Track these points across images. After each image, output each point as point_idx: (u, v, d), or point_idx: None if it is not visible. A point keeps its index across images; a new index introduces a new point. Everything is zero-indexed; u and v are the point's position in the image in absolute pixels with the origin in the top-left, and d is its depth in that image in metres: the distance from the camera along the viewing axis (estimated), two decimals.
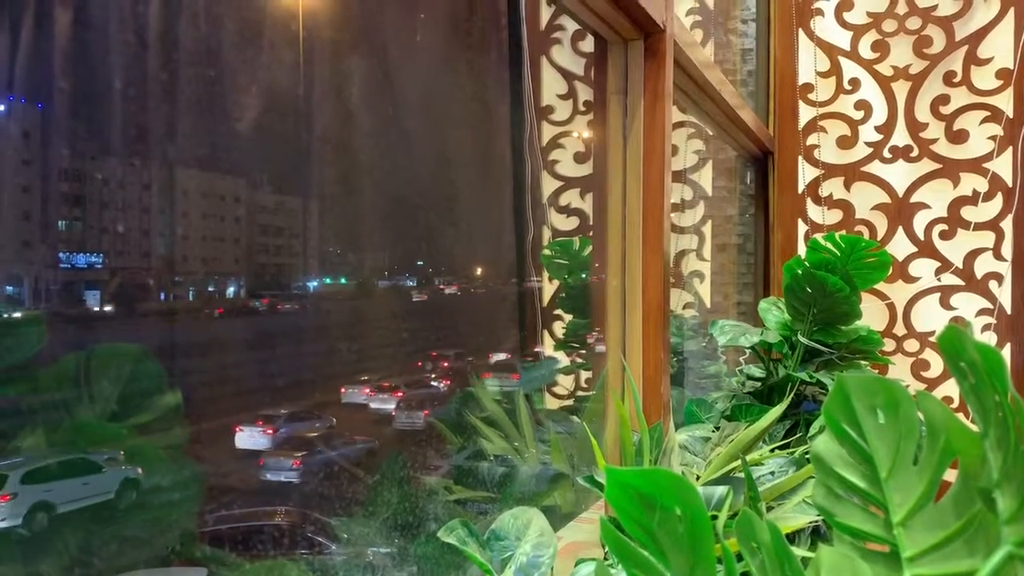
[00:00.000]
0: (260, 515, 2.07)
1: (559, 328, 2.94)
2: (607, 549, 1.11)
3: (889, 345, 3.08)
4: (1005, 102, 2.97)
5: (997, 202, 3.00)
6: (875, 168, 3.16)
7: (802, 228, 3.26)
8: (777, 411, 1.53)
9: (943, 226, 3.07)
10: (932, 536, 0.60)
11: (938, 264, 3.08)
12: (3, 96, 1.66)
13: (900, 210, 3.12)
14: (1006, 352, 2.99)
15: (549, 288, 2.95)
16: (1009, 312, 2.99)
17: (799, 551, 1.24)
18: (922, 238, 3.09)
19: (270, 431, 2.26)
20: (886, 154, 3.14)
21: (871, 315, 3.03)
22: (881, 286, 3.02)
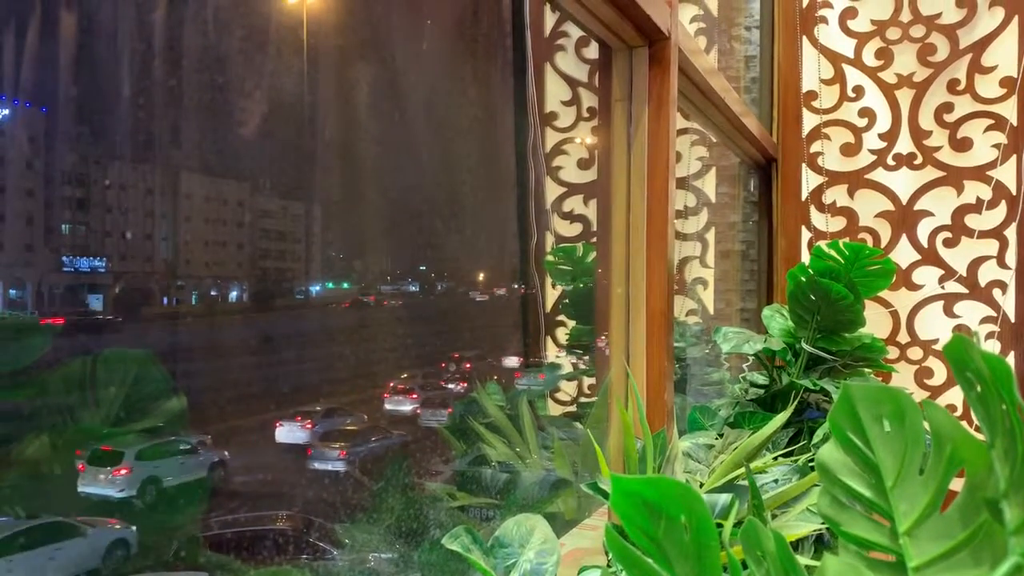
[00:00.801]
0: (264, 520, 2.14)
1: (562, 334, 2.94)
2: (611, 556, 1.11)
3: (892, 353, 3.08)
4: (1009, 110, 2.97)
5: (1001, 210, 2.99)
6: (879, 175, 3.16)
7: (805, 235, 3.25)
8: (781, 419, 1.53)
9: (947, 234, 3.07)
10: (938, 546, 0.60)
11: (942, 272, 3.07)
12: (8, 100, 1.67)
13: (904, 218, 3.12)
14: (1010, 360, 2.99)
15: (552, 294, 2.95)
16: (1013, 320, 2.99)
17: (803, 560, 1.24)
18: (926, 246, 3.09)
19: (309, 425, 2.48)
20: (890, 162, 3.14)
21: (874, 323, 3.02)
22: (885, 293, 3.02)
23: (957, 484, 0.59)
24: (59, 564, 1.61)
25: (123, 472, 1.91)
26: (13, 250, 1.79)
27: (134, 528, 1.84)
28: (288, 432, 2.46)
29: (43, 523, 1.61)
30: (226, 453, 2.18)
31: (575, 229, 2.91)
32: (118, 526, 1.85)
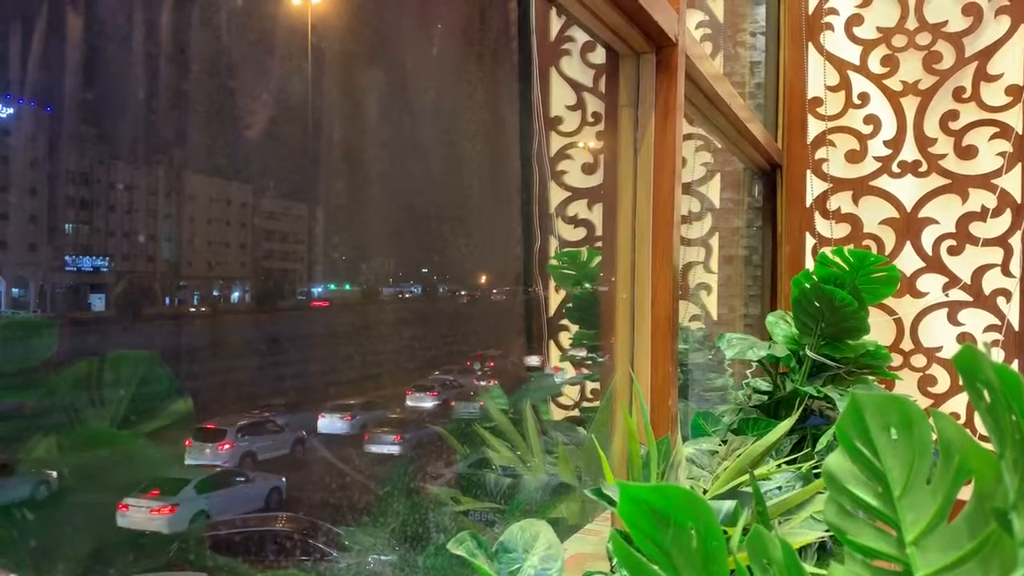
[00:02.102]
0: (267, 521, 2.21)
1: (565, 339, 2.94)
2: (615, 562, 1.11)
3: (896, 360, 3.08)
4: (1014, 118, 2.97)
5: (1006, 218, 2.99)
6: (883, 183, 3.16)
7: (810, 242, 3.25)
8: (786, 425, 1.53)
9: (951, 241, 3.06)
10: (945, 556, 0.60)
11: (946, 280, 3.07)
12: (12, 99, 1.68)
13: (908, 225, 3.12)
14: (1014, 368, 2.97)
15: (555, 298, 2.95)
16: (1017, 329, 2.98)
17: (808, 567, 1.24)
18: (930, 253, 3.09)
19: (347, 417, 2.82)
20: (895, 169, 3.14)
21: (878, 330, 3.02)
22: (888, 301, 3.01)
23: (963, 493, 0.59)
24: (242, 499, 2.31)
25: (226, 447, 2.41)
26: (16, 249, 1.79)
27: (284, 479, 2.44)
28: (329, 423, 2.79)
29: (226, 470, 2.35)
30: (303, 432, 2.63)
31: (579, 233, 2.91)
32: (274, 477, 2.44)
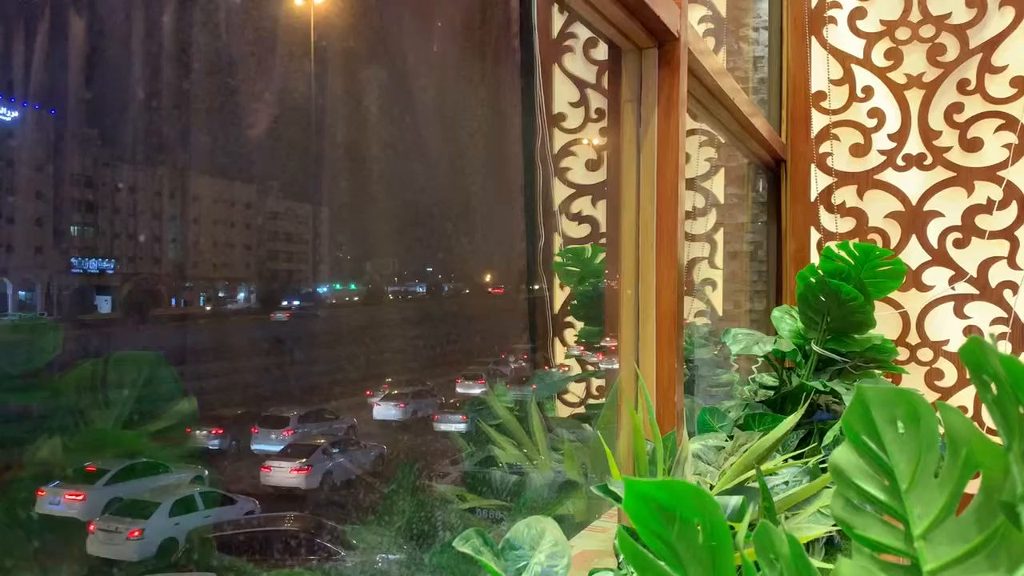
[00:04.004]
0: (275, 520, 2.24)
1: (570, 335, 2.94)
2: (621, 558, 1.11)
3: (902, 354, 3.07)
4: (1020, 110, 2.95)
5: (1012, 211, 2.98)
6: (888, 176, 3.15)
7: (815, 236, 3.24)
8: (792, 420, 1.53)
9: (957, 234, 3.05)
10: (954, 550, 0.59)
11: (952, 273, 3.06)
12: (17, 102, 1.68)
13: (914, 218, 3.11)
14: (1021, 361, 2.96)
15: (559, 295, 2.95)
16: None
17: (816, 562, 1.24)
18: (936, 247, 3.08)
19: (401, 405, 3.21)
20: (899, 162, 3.13)
21: (884, 324, 3.01)
22: (894, 294, 3.00)
23: (971, 487, 0.59)
24: (355, 463, 2.73)
25: (289, 433, 2.70)
26: (22, 252, 1.80)
27: (385, 447, 2.87)
28: (385, 411, 3.18)
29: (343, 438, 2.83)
30: (354, 420, 3.01)
31: (583, 230, 2.91)
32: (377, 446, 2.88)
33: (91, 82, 1.71)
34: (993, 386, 0.54)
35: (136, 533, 1.80)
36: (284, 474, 2.54)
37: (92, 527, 1.66)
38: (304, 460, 2.56)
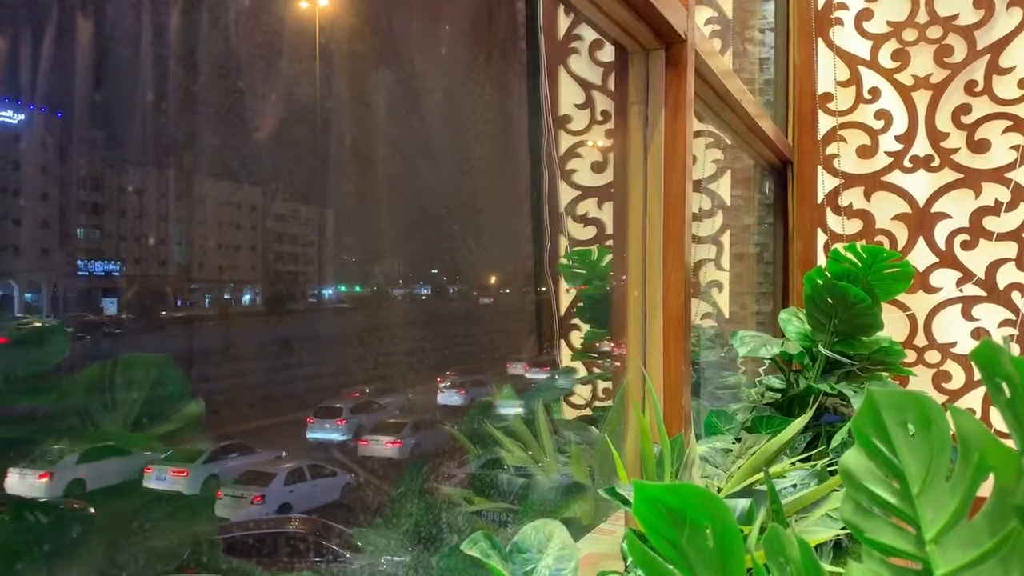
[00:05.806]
0: (281, 523, 2.27)
1: (576, 338, 2.93)
2: (629, 561, 1.10)
3: (910, 356, 3.06)
4: None
5: (1020, 212, 2.97)
6: (895, 178, 3.14)
7: (821, 238, 3.24)
8: (800, 423, 1.52)
9: (965, 236, 3.04)
10: (966, 554, 0.59)
11: (960, 275, 3.05)
12: (24, 105, 1.68)
13: (921, 220, 3.10)
14: None
15: (565, 298, 2.94)
16: None
17: (826, 566, 1.23)
18: (943, 248, 3.07)
19: (462, 392, 3.66)
20: (906, 164, 3.12)
21: (891, 326, 3.00)
22: (902, 296, 2.99)
23: (983, 490, 0.58)
24: (429, 442, 3.22)
25: (342, 422, 3.11)
26: (29, 254, 1.80)
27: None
28: (447, 397, 3.70)
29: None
30: (398, 411, 3.44)
31: (589, 232, 2.91)
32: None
33: (98, 85, 1.72)
34: (1006, 389, 0.54)
35: (259, 499, 2.21)
36: (381, 446, 3.15)
37: (220, 493, 2.05)
38: (397, 435, 3.18)
